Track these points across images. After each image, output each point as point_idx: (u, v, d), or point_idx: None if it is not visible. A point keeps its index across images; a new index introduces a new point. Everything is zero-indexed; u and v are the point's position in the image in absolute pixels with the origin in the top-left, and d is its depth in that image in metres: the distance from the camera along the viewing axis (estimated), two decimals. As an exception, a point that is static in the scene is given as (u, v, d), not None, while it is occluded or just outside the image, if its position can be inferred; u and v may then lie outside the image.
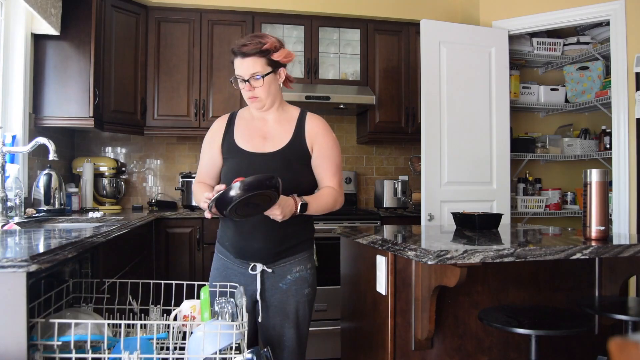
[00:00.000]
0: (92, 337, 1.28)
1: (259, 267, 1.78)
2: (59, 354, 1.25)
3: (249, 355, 1.33)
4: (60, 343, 1.24)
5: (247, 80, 1.72)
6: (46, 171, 2.86)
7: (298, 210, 1.66)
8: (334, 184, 1.80)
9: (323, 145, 1.79)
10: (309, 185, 1.81)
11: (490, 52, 3.50)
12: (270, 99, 1.77)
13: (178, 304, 1.55)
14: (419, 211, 3.42)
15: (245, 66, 1.72)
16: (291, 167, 1.74)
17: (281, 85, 1.81)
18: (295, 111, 1.85)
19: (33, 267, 1.15)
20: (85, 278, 1.77)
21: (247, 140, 1.79)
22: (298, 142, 1.77)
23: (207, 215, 1.60)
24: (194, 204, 3.39)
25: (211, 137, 1.86)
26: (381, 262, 1.81)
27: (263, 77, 1.72)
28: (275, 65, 1.75)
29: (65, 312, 1.43)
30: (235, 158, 1.79)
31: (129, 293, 1.67)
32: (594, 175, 1.76)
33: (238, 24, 3.63)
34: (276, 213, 1.59)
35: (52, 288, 1.48)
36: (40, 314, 1.35)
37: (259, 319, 1.81)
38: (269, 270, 1.79)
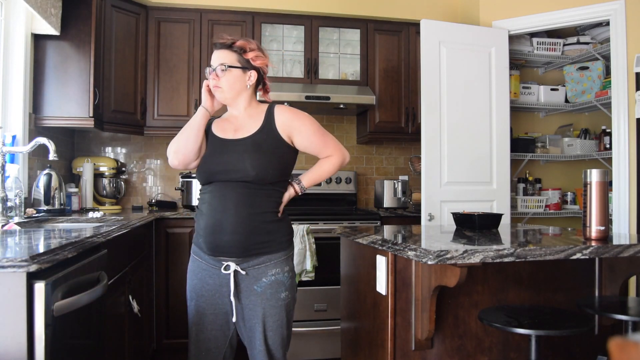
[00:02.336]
0: None
1: (232, 266, 1.78)
2: None
3: None
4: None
5: (215, 70, 1.83)
6: (46, 171, 2.86)
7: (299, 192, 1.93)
8: (328, 152, 1.93)
9: (302, 130, 1.86)
10: (279, 167, 1.82)
11: (490, 52, 3.50)
12: (233, 94, 1.85)
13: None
14: (419, 211, 3.42)
15: (216, 56, 1.84)
16: (261, 149, 1.79)
17: (249, 86, 1.87)
18: (264, 106, 1.92)
19: (33, 267, 1.15)
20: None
21: (221, 131, 1.89)
22: (268, 128, 1.83)
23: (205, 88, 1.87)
24: (194, 203, 3.39)
25: None
26: (381, 262, 1.81)
27: (228, 67, 1.81)
28: (247, 65, 1.85)
29: None
30: (210, 145, 1.87)
31: (128, 293, 1.67)
32: (594, 175, 1.76)
33: (238, 24, 3.63)
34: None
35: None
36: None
37: (233, 319, 1.83)
38: (243, 272, 1.79)
